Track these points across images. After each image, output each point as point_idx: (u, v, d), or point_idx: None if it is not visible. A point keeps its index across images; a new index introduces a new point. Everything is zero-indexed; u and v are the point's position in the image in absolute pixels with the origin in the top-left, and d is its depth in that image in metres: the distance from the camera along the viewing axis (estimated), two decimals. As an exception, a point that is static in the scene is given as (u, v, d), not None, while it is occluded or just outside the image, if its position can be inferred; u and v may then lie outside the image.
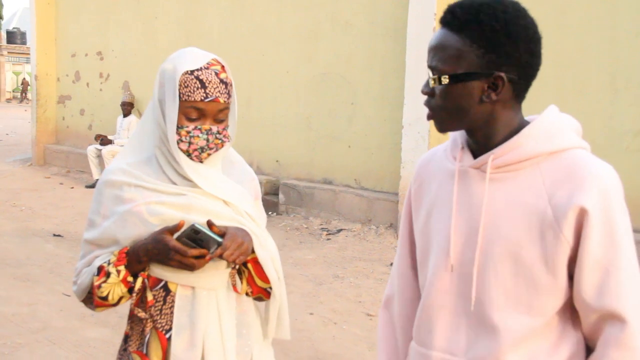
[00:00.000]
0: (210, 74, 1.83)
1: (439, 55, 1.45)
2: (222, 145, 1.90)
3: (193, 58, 1.86)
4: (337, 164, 8.44)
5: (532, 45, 1.42)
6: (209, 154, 1.88)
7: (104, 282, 1.84)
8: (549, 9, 6.42)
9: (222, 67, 1.88)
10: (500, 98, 1.43)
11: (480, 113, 1.45)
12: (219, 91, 1.83)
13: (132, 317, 1.95)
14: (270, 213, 8.76)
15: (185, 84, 1.81)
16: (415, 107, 7.21)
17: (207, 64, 1.85)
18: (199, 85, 1.81)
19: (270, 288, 1.95)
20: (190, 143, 1.84)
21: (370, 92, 8.02)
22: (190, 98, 1.81)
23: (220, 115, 1.86)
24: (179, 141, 1.84)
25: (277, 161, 9.23)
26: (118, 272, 1.84)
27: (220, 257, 1.77)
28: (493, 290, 1.46)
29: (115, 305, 1.91)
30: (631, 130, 6.13)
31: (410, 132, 7.32)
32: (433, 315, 1.56)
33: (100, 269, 1.86)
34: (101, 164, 10.95)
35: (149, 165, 1.91)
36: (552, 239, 1.40)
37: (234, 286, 1.93)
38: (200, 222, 1.78)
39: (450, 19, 1.43)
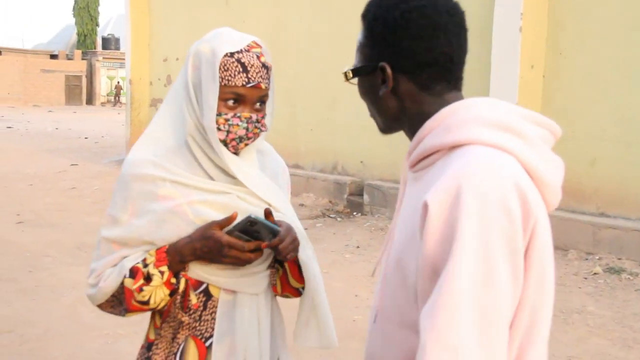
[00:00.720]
0: (252, 57, 1.68)
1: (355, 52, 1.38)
2: (259, 135, 1.76)
3: (233, 39, 1.70)
4: (421, 165, 8.46)
5: (413, 31, 1.25)
6: (246, 144, 1.74)
7: (144, 285, 1.66)
8: None
9: (262, 49, 1.73)
10: (402, 91, 1.29)
11: (389, 109, 1.32)
12: (261, 76, 1.68)
13: (161, 323, 1.77)
14: (355, 213, 8.87)
15: (225, 67, 1.65)
16: (501, 108, 7.17)
17: (248, 46, 1.70)
18: (241, 69, 1.66)
19: (302, 288, 1.83)
20: (228, 132, 1.69)
21: (455, 93, 8.01)
22: (230, 83, 1.65)
23: (260, 102, 1.72)
24: (216, 129, 1.68)
25: (361, 162, 9.32)
26: (161, 273, 1.66)
27: (273, 248, 1.65)
28: (386, 302, 1.31)
29: (154, 309, 1.72)
30: None
31: (496, 133, 7.29)
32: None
33: (133, 270, 1.67)
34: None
35: (180, 156, 1.74)
36: (417, 244, 1.19)
37: (274, 286, 1.83)
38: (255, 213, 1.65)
39: (362, 12, 1.37)
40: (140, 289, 1.66)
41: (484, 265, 1.07)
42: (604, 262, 6.32)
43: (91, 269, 1.75)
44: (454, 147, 1.20)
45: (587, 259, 6.47)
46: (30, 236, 7.62)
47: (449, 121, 1.22)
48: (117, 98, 47.03)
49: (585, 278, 6.06)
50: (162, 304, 1.70)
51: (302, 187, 9.96)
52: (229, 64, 1.66)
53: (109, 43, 50.15)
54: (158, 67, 13.52)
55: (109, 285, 1.70)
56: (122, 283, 1.68)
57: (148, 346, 1.79)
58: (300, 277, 1.81)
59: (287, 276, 1.83)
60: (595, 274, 6.11)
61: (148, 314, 1.81)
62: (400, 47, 1.26)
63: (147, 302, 1.67)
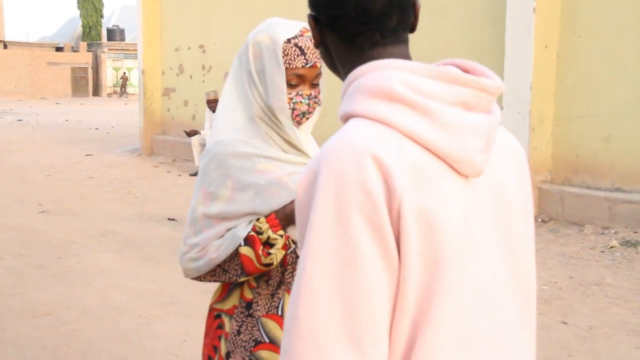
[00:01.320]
0: (307, 40, 1.88)
1: None
2: (315, 109, 1.96)
3: (286, 27, 1.90)
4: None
5: None
6: (307, 119, 1.94)
7: (267, 249, 1.84)
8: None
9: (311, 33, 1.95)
10: (330, 45, 1.23)
11: (329, 64, 1.29)
12: (316, 56, 1.88)
13: (258, 283, 1.94)
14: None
15: (286, 52, 1.86)
16: (516, 88, 7.26)
17: (300, 31, 1.89)
18: (299, 52, 1.86)
19: None
20: (293, 109, 1.89)
21: (468, 74, 8.10)
22: (291, 65, 1.86)
23: (316, 79, 1.92)
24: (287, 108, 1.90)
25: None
26: (281, 236, 1.85)
27: None
28: None
29: (271, 269, 1.90)
30: None
31: (510, 112, 7.38)
32: None
33: (248, 239, 1.84)
34: (205, 153, 11.43)
35: (255, 134, 1.93)
36: None
37: None
38: None
39: None
40: (268, 253, 1.84)
41: (343, 246, 1.01)
42: (620, 236, 6.44)
43: (191, 244, 1.92)
44: (346, 119, 1.13)
45: (603, 234, 6.59)
46: (55, 225, 7.78)
47: (349, 89, 1.14)
48: (123, 89, 47.12)
49: (602, 252, 6.18)
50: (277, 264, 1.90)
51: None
52: (288, 49, 1.86)
53: (114, 34, 50.17)
54: (170, 57, 13.63)
55: (220, 255, 1.87)
56: (235, 252, 1.86)
57: (247, 305, 1.94)
58: None
59: None
60: (612, 247, 6.23)
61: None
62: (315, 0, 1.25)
63: (270, 264, 1.85)
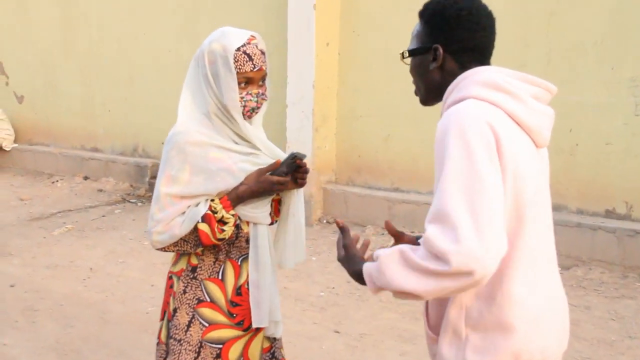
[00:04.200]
0: (253, 47, 2.24)
1: (411, 39, 1.88)
2: (262, 104, 2.33)
3: (237, 36, 2.24)
4: (224, 145, 8.24)
5: (463, 25, 1.75)
6: (256, 113, 2.32)
7: (222, 226, 2.24)
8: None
9: (258, 39, 2.28)
10: (447, 68, 1.78)
11: (434, 81, 1.81)
12: (262, 61, 2.26)
13: (202, 251, 2.34)
14: (156, 197, 8.51)
15: (236, 59, 2.20)
16: (299, 86, 7.09)
17: (248, 39, 2.24)
18: (247, 59, 2.22)
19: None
20: (244, 106, 2.25)
21: (254, 71, 7.84)
22: (241, 70, 2.21)
23: (262, 80, 2.29)
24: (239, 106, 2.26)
25: (162, 143, 8.91)
26: (233, 216, 2.26)
27: (299, 175, 2.35)
28: None
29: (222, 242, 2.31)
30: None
31: (294, 111, 7.21)
32: None
33: (205, 217, 2.22)
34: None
35: (209, 127, 2.27)
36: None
37: (272, 216, 2.44)
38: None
39: (420, 10, 1.84)
40: (222, 230, 2.25)
41: (470, 169, 1.52)
42: (399, 236, 6.47)
43: (157, 220, 2.25)
44: (460, 100, 1.67)
45: (383, 234, 6.62)
46: None
47: (461, 84, 1.71)
48: None
49: (381, 253, 6.17)
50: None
51: (101, 172, 9.40)
52: (238, 56, 2.22)
53: None
54: None
55: (183, 230, 2.24)
56: (194, 227, 2.23)
57: (192, 269, 2.36)
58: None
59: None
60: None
61: None
62: (452, 35, 1.75)
63: (224, 239, 2.27)
